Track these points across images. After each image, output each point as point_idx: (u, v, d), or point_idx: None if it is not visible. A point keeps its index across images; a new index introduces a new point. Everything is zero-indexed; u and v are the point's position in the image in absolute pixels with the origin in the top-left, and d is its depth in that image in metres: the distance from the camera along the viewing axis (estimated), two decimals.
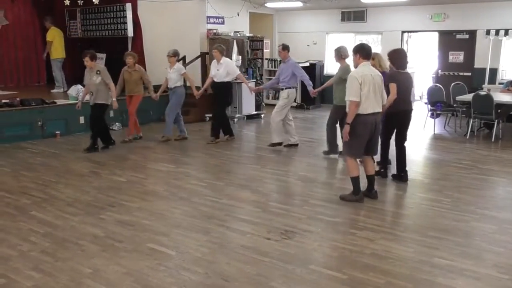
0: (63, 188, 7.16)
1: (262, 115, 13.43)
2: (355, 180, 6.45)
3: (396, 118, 7.22)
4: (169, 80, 10.05)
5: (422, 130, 11.53)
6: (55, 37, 13.08)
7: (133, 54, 10.04)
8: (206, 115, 12.62)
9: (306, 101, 14.51)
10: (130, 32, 12.94)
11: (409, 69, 7.96)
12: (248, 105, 13.10)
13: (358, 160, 6.62)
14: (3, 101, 10.40)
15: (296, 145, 9.67)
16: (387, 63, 7.80)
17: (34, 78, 15.05)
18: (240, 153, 9.43)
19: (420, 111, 13.57)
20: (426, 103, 12.02)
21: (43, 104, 10.40)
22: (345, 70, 8.28)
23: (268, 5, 14.97)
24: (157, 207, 6.35)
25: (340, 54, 8.55)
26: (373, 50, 6.78)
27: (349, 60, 7.71)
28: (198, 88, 10.46)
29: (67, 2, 14.06)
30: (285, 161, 8.84)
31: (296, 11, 16.31)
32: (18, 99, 10.44)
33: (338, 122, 8.66)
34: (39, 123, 10.36)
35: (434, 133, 11.24)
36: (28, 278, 4.41)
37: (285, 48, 9.54)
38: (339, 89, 8.29)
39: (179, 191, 7.01)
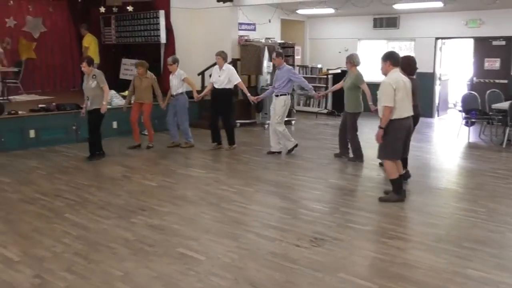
0: (95, 192, 7.27)
1: (293, 122, 13.40)
2: (396, 181, 6.71)
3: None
4: (171, 87, 10.03)
5: (456, 138, 11.34)
6: (91, 43, 13.31)
7: (143, 63, 9.94)
8: (237, 121, 12.64)
9: (337, 108, 14.42)
10: (163, 39, 13.09)
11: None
12: None
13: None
14: (40, 105, 10.65)
15: (280, 152, 9.66)
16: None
17: (69, 83, 15.34)
18: (269, 159, 9.42)
19: (454, 119, 13.39)
20: (460, 111, 11.83)
21: (77, 108, 10.55)
22: (357, 77, 8.78)
23: (300, 11, 14.96)
24: (187, 212, 6.39)
25: (353, 61, 8.84)
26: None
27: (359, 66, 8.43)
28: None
29: (102, 10, 14.35)
30: (315, 168, 8.80)
31: (327, 18, 16.27)
32: (54, 103, 10.65)
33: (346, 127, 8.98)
34: (74, 127, 10.55)
35: (469, 142, 11.03)
36: (62, 279, 4.48)
37: (279, 55, 9.54)
38: (351, 96, 8.83)
39: (208, 197, 7.04)
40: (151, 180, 7.91)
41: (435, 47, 14.46)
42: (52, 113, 10.33)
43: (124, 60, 14.38)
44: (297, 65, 15.29)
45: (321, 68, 15.56)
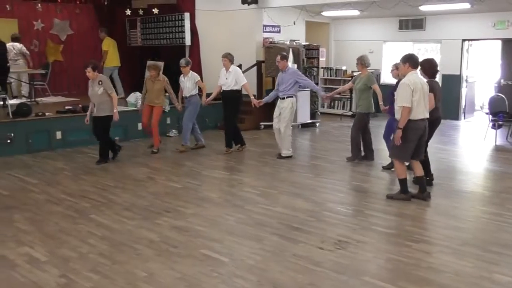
0: (120, 193, 7.34)
1: (317, 124, 13.36)
2: (403, 181, 6.87)
3: (431, 125, 7.10)
4: (184, 89, 9.95)
5: (482, 141, 11.18)
6: (109, 47, 13.48)
7: (156, 66, 9.85)
8: (261, 123, 12.68)
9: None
10: (188, 41, 13.18)
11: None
12: (303, 114, 13.07)
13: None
14: (66, 107, 10.80)
15: (291, 156, 9.60)
16: None
17: None
18: (293, 161, 9.40)
19: (481, 121, 13.20)
20: (487, 114, 11.65)
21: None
22: (369, 78, 9.01)
23: (325, 13, 14.92)
24: (211, 213, 6.41)
25: (364, 62, 9.02)
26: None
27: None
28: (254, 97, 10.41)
29: (128, 12, 14.52)
30: (339, 171, 8.76)
31: (352, 20, 16.19)
32: (80, 105, 10.79)
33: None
34: None
35: (496, 145, 10.86)
36: (87, 279, 4.54)
37: (284, 57, 9.44)
38: (364, 97, 9.00)
39: (233, 198, 7.06)
40: (176, 181, 7.96)
41: (461, 49, 14.27)
42: (78, 115, 10.44)
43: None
44: (322, 67, 15.24)
45: (345, 70, 15.49)
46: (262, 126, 12.73)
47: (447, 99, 14.32)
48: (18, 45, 12.76)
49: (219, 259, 4.98)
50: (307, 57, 14.49)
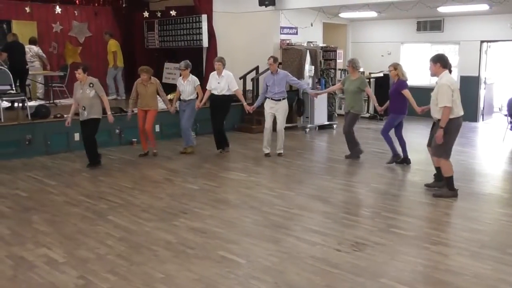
0: (138, 194, 7.38)
1: (334, 126, 13.32)
2: (450, 179, 7.05)
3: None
4: (183, 93, 9.78)
5: (501, 143, 11.06)
6: (117, 48, 13.61)
7: (148, 69, 9.55)
8: None
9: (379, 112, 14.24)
10: (205, 43, 13.24)
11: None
12: (320, 115, 13.05)
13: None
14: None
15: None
16: (406, 73, 8.91)
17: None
18: (311, 163, 9.39)
19: (499, 123, 13.06)
20: (505, 115, 11.52)
21: (121, 112, 10.75)
22: (362, 81, 9.42)
23: (342, 15, 14.86)
24: (228, 215, 6.42)
25: (355, 65, 9.37)
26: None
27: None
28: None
29: (146, 14, 14.62)
30: (357, 172, 8.73)
31: (370, 21, 16.12)
32: None
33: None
34: (117, 130, 10.75)
35: None
36: (105, 280, 4.57)
37: (275, 60, 9.60)
38: (357, 99, 9.48)
39: (250, 200, 7.06)
40: (193, 183, 7.99)
41: (480, 50, 14.14)
42: None
43: (167, 64, 14.60)
44: (339, 69, 15.18)
45: (363, 72, 15.40)
46: None
47: (465, 100, 14.13)
48: (34, 47, 12.94)
49: (236, 261, 4.99)
50: (325, 59, 14.45)
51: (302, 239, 5.56)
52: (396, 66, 8.78)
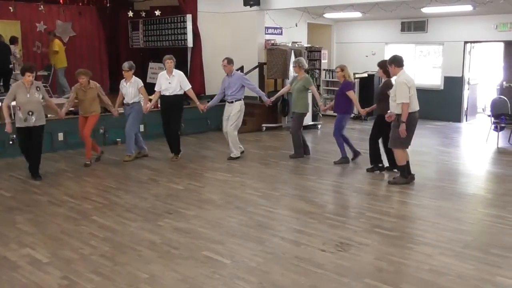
0: (122, 195, 7.35)
1: (319, 126, 13.35)
2: (404, 167, 7.68)
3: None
4: (126, 95, 9.28)
5: (484, 143, 11.17)
6: (61, 48, 13.54)
7: (86, 72, 8.92)
8: (263, 125, 12.69)
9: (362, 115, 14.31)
10: (190, 43, 13.21)
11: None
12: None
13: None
14: (69, 109, 10.77)
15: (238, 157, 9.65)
16: (351, 74, 9.62)
17: None
18: (296, 163, 9.40)
19: (483, 124, 13.19)
20: (489, 116, 11.64)
21: (105, 112, 10.67)
22: (307, 80, 9.57)
23: (327, 15, 14.90)
24: (213, 215, 6.41)
25: (301, 65, 9.51)
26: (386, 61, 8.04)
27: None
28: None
29: (130, 14, 14.55)
30: (341, 173, 8.76)
31: (354, 22, 16.19)
32: None
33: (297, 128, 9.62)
34: (101, 130, 10.68)
35: (498, 147, 10.83)
36: (89, 281, 4.54)
37: (230, 62, 9.47)
38: (301, 98, 9.57)
39: (235, 200, 7.06)
40: (178, 183, 7.97)
41: (464, 51, 14.25)
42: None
43: (151, 64, 14.53)
44: (324, 69, 15.23)
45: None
46: (264, 128, 12.74)
47: (449, 101, 14.38)
48: (12, 47, 12.83)
49: (221, 261, 4.99)
50: (309, 59, 14.50)
51: (287, 239, 5.57)
52: (343, 68, 9.18)
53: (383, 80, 8.47)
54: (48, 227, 5.97)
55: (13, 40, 12.94)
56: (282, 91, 10.50)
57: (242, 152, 9.81)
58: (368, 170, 8.60)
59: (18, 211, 6.55)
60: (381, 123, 8.02)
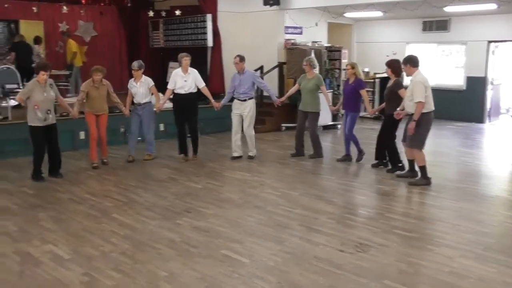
0: (142, 193, 7.40)
1: (339, 126, 13.29)
2: (424, 168, 7.63)
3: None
4: (136, 95, 9.23)
5: (508, 144, 11.02)
6: (76, 48, 13.66)
7: (102, 69, 8.84)
8: (283, 124, 12.67)
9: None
10: (209, 42, 13.26)
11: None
12: (324, 116, 12.97)
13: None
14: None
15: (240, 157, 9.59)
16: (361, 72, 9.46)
17: (117, 86, 15.58)
18: (315, 163, 9.38)
19: (506, 125, 13.02)
20: None
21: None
22: (319, 79, 9.62)
23: (347, 15, 14.85)
24: (232, 214, 6.43)
25: (312, 64, 9.54)
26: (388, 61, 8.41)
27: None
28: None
29: (151, 14, 14.65)
30: (361, 173, 8.72)
31: (375, 21, 16.10)
32: None
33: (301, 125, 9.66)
34: (122, 129, 10.76)
35: None
36: (109, 278, 4.59)
37: (242, 59, 9.33)
38: (315, 97, 9.56)
39: (254, 200, 7.07)
40: (197, 182, 8.00)
41: (487, 50, 14.07)
42: None
43: (171, 64, 14.61)
44: (344, 69, 15.13)
45: (368, 72, 15.39)
46: (284, 128, 12.72)
47: (472, 101, 14.20)
48: (37, 47, 13.02)
49: (240, 260, 4.99)
50: (329, 59, 14.42)
51: (306, 239, 5.56)
52: (353, 65, 9.14)
53: (391, 80, 8.39)
54: (70, 224, 6.03)
55: (38, 40, 13.13)
56: (291, 91, 10.23)
57: (240, 156, 9.63)
58: (373, 165, 8.84)
59: (41, 209, 6.64)
60: (393, 122, 8.15)
